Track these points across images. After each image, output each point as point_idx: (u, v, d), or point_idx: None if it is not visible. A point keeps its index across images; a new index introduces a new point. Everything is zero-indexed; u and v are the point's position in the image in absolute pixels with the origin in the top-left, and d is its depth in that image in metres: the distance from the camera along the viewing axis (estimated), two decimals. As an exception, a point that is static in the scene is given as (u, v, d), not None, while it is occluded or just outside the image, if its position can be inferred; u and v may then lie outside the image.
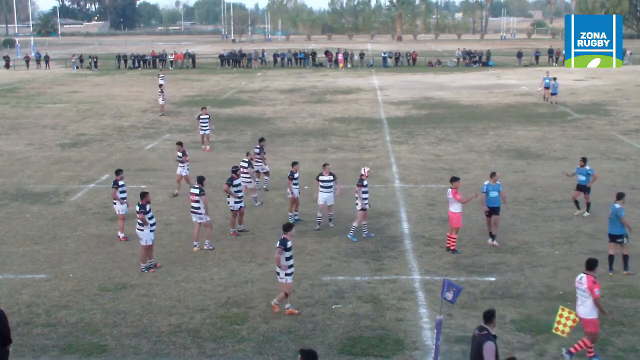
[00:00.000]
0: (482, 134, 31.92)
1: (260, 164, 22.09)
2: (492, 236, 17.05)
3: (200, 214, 16.77)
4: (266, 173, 22.49)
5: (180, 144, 22.38)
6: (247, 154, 21.07)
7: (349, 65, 71.14)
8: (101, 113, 40.01)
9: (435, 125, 34.42)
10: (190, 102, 44.74)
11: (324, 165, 18.30)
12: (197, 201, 16.71)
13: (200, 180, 17.10)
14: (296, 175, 18.97)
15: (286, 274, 13.11)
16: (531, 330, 12.47)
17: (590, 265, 11.46)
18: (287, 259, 13.07)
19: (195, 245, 16.92)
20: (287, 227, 13.28)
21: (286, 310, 13.20)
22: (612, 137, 30.97)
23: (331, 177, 18.01)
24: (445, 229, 17.14)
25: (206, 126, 28.78)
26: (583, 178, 19.17)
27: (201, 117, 28.88)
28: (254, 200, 20.46)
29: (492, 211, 16.92)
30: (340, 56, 71.87)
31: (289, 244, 13.07)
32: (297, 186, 18.96)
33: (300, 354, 8.27)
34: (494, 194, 16.90)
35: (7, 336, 10.16)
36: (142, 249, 15.54)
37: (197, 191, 16.76)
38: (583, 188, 19.21)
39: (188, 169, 21.59)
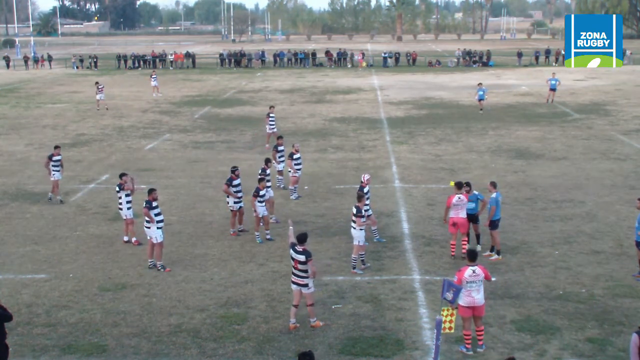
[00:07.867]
0: (482, 134, 31.92)
1: (282, 161, 22.07)
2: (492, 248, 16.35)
3: None
4: (279, 172, 22.48)
5: None
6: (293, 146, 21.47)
7: (364, 64, 71.04)
8: (101, 113, 39.97)
9: (435, 125, 34.42)
10: (190, 102, 44.73)
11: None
12: None
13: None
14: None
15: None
16: (531, 330, 12.47)
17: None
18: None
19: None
20: (303, 238, 12.59)
21: (315, 323, 12.79)
22: (612, 137, 30.96)
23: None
24: (445, 229, 17.10)
25: (274, 124, 28.79)
26: (472, 206, 16.20)
27: (270, 115, 28.72)
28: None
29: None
30: (360, 56, 72.39)
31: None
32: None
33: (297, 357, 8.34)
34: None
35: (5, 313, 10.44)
36: (156, 247, 15.47)
37: None
38: (472, 217, 16.31)
39: None
